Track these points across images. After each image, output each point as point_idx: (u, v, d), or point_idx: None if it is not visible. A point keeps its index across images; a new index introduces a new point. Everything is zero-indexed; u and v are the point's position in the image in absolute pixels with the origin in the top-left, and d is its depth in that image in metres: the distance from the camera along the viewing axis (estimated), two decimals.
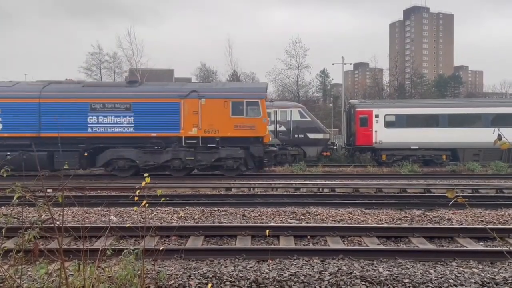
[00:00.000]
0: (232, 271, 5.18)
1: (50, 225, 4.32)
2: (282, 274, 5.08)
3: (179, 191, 13.03)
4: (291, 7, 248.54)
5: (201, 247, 6.51)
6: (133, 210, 8.77)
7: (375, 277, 5.00)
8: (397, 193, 12.60)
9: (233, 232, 7.17)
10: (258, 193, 12.40)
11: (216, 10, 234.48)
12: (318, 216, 8.64)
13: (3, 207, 8.41)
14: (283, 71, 44.40)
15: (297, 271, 5.17)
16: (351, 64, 58.30)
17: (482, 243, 6.82)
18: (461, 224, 8.01)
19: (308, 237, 7.04)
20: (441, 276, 5.05)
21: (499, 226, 7.86)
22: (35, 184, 4.57)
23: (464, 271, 5.26)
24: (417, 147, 21.96)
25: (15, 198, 3.84)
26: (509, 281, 4.93)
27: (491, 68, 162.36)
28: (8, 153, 16.31)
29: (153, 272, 4.90)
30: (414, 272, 5.18)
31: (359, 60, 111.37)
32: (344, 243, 6.77)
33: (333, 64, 61.85)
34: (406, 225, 7.82)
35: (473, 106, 22.94)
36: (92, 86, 19.09)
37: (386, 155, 22.33)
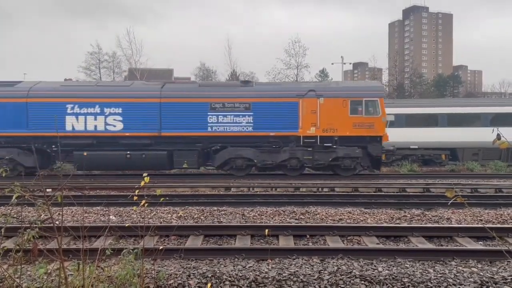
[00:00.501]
0: (232, 271, 5.18)
1: (49, 225, 4.33)
2: (282, 274, 5.08)
3: (178, 190, 13.03)
4: (290, 7, 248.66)
5: (201, 246, 6.51)
6: (133, 209, 8.76)
7: (375, 276, 5.00)
8: (397, 192, 12.61)
9: (232, 232, 7.18)
10: (258, 193, 12.40)
11: (216, 10, 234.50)
12: (318, 215, 8.64)
13: (2, 207, 8.40)
14: (283, 70, 44.37)
15: (297, 271, 5.17)
16: (350, 63, 58.47)
17: (481, 243, 6.82)
18: (460, 224, 8.02)
19: (308, 236, 7.04)
20: (440, 275, 5.05)
21: (498, 225, 7.87)
22: (34, 184, 4.56)
23: (463, 270, 5.26)
24: (417, 147, 21.96)
25: (14, 197, 3.84)
26: (508, 280, 4.93)
27: (490, 67, 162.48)
28: (128, 152, 16.40)
29: (153, 271, 4.90)
30: (413, 271, 5.18)
31: (359, 59, 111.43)
32: (343, 243, 6.78)
33: (332, 63, 62.15)
34: (405, 225, 7.83)
35: (472, 105, 22.93)
36: (208, 86, 19.09)
37: (385, 154, 22.33)
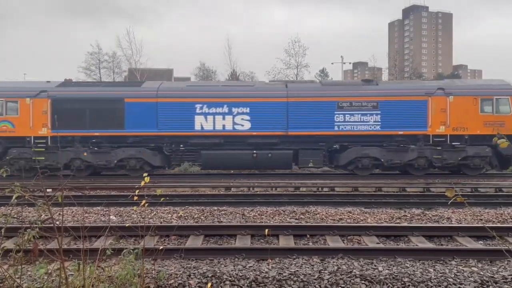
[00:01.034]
0: (232, 271, 5.18)
1: (49, 225, 4.33)
2: (282, 273, 5.08)
3: (178, 190, 13.02)
4: (290, 7, 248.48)
5: (201, 246, 6.51)
6: (133, 209, 8.76)
7: (375, 276, 5.00)
8: (397, 192, 12.61)
9: (232, 232, 7.17)
10: (258, 193, 12.40)
11: (216, 9, 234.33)
12: (318, 215, 8.64)
13: (2, 207, 8.40)
14: (282, 70, 44.26)
15: (297, 270, 5.17)
16: (350, 63, 58.39)
17: (482, 242, 6.82)
18: (460, 223, 8.02)
19: (308, 236, 7.04)
20: (440, 275, 5.06)
21: (499, 225, 7.86)
22: (34, 184, 4.57)
23: (463, 269, 5.26)
24: None
25: (14, 198, 3.84)
26: (509, 279, 4.93)
27: (490, 67, 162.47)
28: (255, 151, 16.43)
29: (153, 271, 4.90)
30: (414, 271, 5.18)
31: (358, 59, 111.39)
32: (343, 242, 6.78)
33: (332, 63, 62.01)
34: (405, 224, 7.82)
35: None
36: (332, 84, 19.01)
37: None
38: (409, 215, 8.69)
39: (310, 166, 17.16)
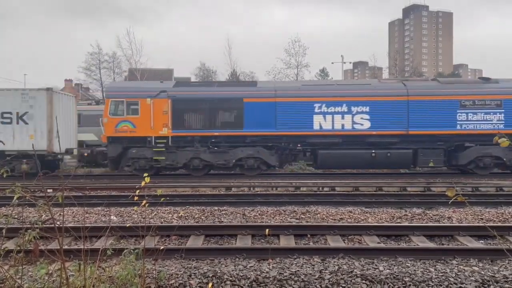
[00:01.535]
0: (233, 271, 5.18)
1: (50, 225, 4.33)
2: (283, 273, 5.08)
3: (179, 190, 13.02)
4: (290, 6, 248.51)
5: (202, 246, 6.51)
6: (133, 210, 8.76)
7: (376, 275, 5.00)
8: (397, 191, 12.60)
9: (233, 232, 7.17)
10: (258, 193, 12.40)
11: (216, 9, 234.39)
12: (318, 215, 8.64)
13: (3, 207, 8.41)
14: (283, 70, 44.26)
15: (298, 270, 5.17)
16: (350, 63, 58.49)
17: (482, 241, 6.82)
18: (461, 223, 8.02)
19: (308, 236, 7.04)
20: (441, 274, 5.05)
21: (499, 224, 7.86)
22: (35, 185, 4.57)
23: (464, 269, 5.26)
24: None
25: (15, 198, 3.84)
26: (510, 279, 4.93)
27: (490, 66, 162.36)
28: (373, 151, 16.40)
29: (154, 271, 4.89)
30: (415, 270, 5.18)
31: (359, 58, 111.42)
32: (344, 242, 6.77)
33: (332, 63, 62.06)
34: (406, 224, 7.82)
35: None
36: (452, 83, 18.83)
37: None
38: (409, 214, 8.69)
39: (431, 166, 17.00)
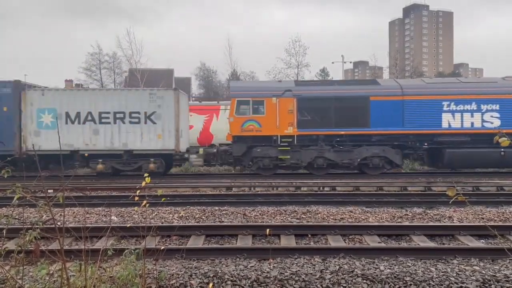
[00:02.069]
0: (233, 270, 5.18)
1: (51, 226, 4.33)
2: (283, 273, 5.08)
3: (179, 190, 13.03)
4: (290, 6, 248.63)
5: (202, 246, 6.51)
6: (134, 210, 8.76)
7: (376, 275, 5.00)
8: (398, 191, 12.60)
9: (234, 232, 7.17)
10: (259, 192, 12.40)
11: (216, 9, 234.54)
12: (319, 215, 8.63)
13: (4, 208, 8.41)
14: (283, 70, 44.30)
15: (298, 270, 5.17)
16: (351, 62, 58.37)
17: (483, 241, 6.81)
18: (462, 222, 8.01)
19: (309, 236, 7.04)
20: (442, 274, 5.05)
21: (500, 223, 7.85)
22: (35, 185, 4.57)
23: (465, 268, 5.25)
24: None
25: (15, 199, 3.85)
26: (511, 278, 4.92)
27: (491, 65, 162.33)
28: (502, 149, 16.01)
29: (154, 271, 4.89)
30: (415, 270, 5.17)
31: (359, 58, 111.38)
32: (345, 242, 6.77)
33: (333, 62, 62.12)
34: (407, 223, 7.82)
35: None
36: None
37: None
38: (410, 214, 8.68)
39: None
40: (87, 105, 17.11)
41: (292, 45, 43.01)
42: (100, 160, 17.10)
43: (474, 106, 16.55)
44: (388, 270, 5.17)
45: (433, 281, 4.86)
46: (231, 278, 4.97)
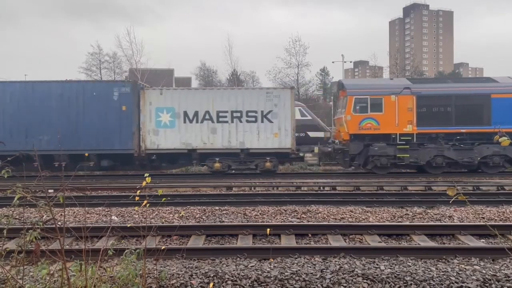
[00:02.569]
0: (234, 270, 5.18)
1: (51, 226, 4.33)
2: (284, 273, 5.08)
3: (180, 190, 13.04)
4: (290, 6, 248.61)
5: (203, 246, 6.51)
6: (134, 210, 8.76)
7: (377, 275, 5.00)
8: (398, 191, 12.60)
9: (234, 231, 7.18)
10: (259, 192, 12.40)
11: (215, 9, 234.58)
12: (319, 214, 8.63)
13: (4, 208, 8.41)
14: (283, 69, 44.32)
15: (299, 270, 5.17)
16: (351, 62, 58.50)
17: (484, 240, 6.81)
18: (462, 222, 8.01)
19: (309, 235, 7.04)
20: (442, 273, 5.05)
21: (500, 223, 7.85)
22: (36, 185, 4.57)
23: (465, 268, 5.25)
24: None
25: (15, 199, 3.85)
26: (511, 278, 4.92)
27: (491, 65, 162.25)
28: None
29: (155, 271, 4.90)
30: (416, 269, 5.17)
31: (359, 58, 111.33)
32: (345, 241, 6.77)
33: (333, 62, 62.07)
34: (407, 223, 7.82)
35: None
36: None
37: None
38: (410, 213, 8.68)
39: None
40: (204, 104, 17.26)
41: (292, 45, 43.11)
42: (217, 159, 17.15)
43: None
44: (389, 269, 5.17)
45: (434, 281, 4.86)
46: (232, 278, 4.97)
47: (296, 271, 5.12)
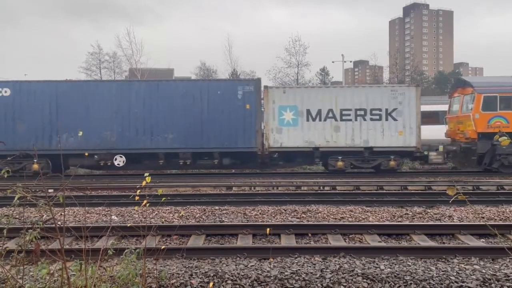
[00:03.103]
0: (234, 270, 5.18)
1: (51, 225, 4.33)
2: (284, 273, 5.08)
3: (180, 190, 13.04)
4: (290, 6, 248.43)
5: (203, 246, 6.51)
6: (134, 209, 8.77)
7: (377, 274, 5.00)
8: (398, 190, 12.60)
9: (234, 231, 7.18)
10: (259, 192, 12.40)
11: (215, 9, 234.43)
12: (319, 214, 8.64)
13: (4, 207, 8.42)
14: (283, 69, 44.28)
15: (299, 269, 5.17)
16: (351, 61, 58.59)
17: (483, 240, 6.81)
18: (462, 221, 8.01)
19: (309, 235, 7.04)
20: (442, 273, 5.05)
21: (500, 222, 7.85)
22: (36, 185, 4.57)
23: (465, 268, 5.25)
24: None
25: (16, 198, 3.85)
26: (511, 277, 4.92)
27: (491, 65, 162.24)
28: None
29: (155, 271, 4.90)
30: (416, 269, 5.18)
31: (359, 57, 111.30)
32: (345, 241, 6.77)
33: (333, 62, 62.08)
34: (407, 223, 7.82)
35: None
36: None
37: None
38: (410, 213, 8.69)
39: None
40: (327, 102, 17.21)
41: (292, 44, 43.04)
42: (340, 157, 17.07)
43: None
44: (388, 269, 5.18)
45: (433, 280, 4.86)
46: (232, 278, 4.98)
47: (296, 270, 5.13)
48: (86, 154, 16.98)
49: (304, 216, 8.50)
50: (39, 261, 4.88)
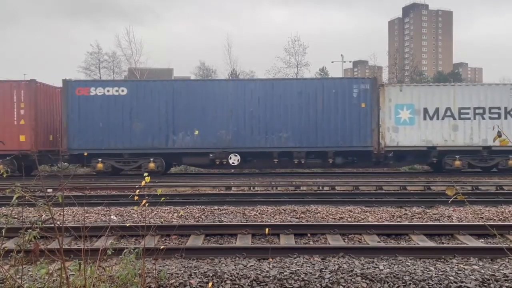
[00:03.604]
0: (233, 270, 5.18)
1: (50, 225, 4.33)
2: (283, 273, 5.08)
3: (179, 190, 13.03)
4: (290, 6, 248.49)
5: (202, 246, 6.51)
6: (133, 209, 8.77)
7: (376, 274, 5.00)
8: (397, 190, 12.61)
9: (233, 231, 7.17)
10: (258, 192, 12.40)
11: (215, 9, 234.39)
12: (318, 214, 8.64)
13: (3, 207, 8.41)
14: (282, 69, 44.25)
15: (298, 269, 5.17)
16: (350, 61, 58.60)
17: (482, 240, 6.82)
18: (461, 221, 8.02)
19: (309, 235, 7.04)
20: (441, 273, 5.05)
21: (499, 223, 7.86)
22: (35, 184, 4.56)
23: (464, 268, 5.26)
24: None
25: (14, 198, 3.84)
26: (510, 277, 4.93)
27: (490, 65, 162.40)
28: None
29: (154, 271, 4.89)
30: (415, 269, 5.18)
31: (358, 57, 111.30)
32: (344, 241, 6.78)
33: (332, 62, 62.12)
34: (406, 223, 7.82)
35: None
36: None
37: None
38: (409, 213, 8.69)
39: None
40: (445, 101, 17.07)
41: (291, 44, 42.97)
42: (457, 157, 16.93)
43: None
44: (388, 269, 5.18)
45: (432, 280, 4.86)
46: (231, 278, 4.97)
47: (295, 270, 5.13)
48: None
49: (303, 216, 8.50)
50: (38, 261, 4.87)
